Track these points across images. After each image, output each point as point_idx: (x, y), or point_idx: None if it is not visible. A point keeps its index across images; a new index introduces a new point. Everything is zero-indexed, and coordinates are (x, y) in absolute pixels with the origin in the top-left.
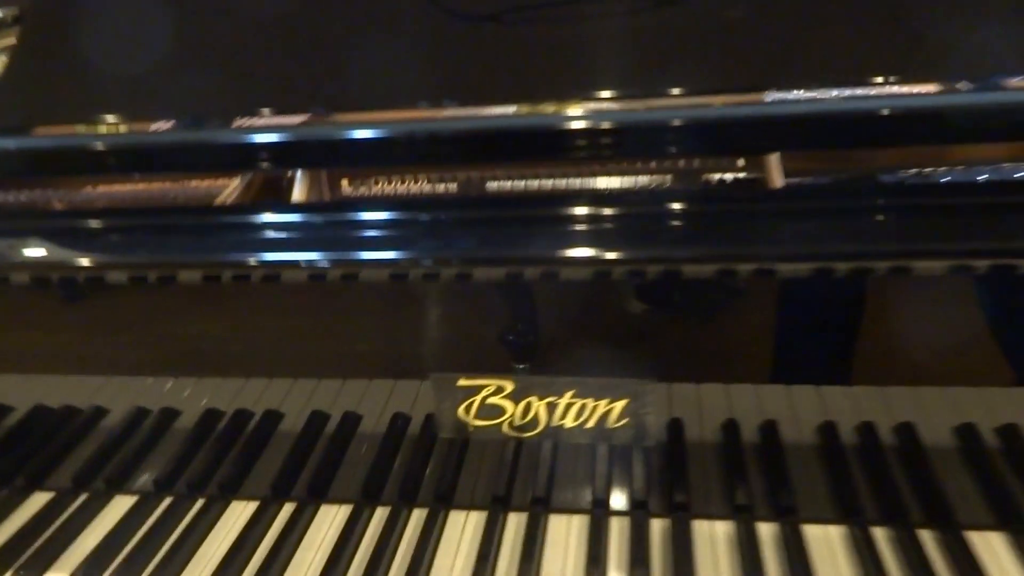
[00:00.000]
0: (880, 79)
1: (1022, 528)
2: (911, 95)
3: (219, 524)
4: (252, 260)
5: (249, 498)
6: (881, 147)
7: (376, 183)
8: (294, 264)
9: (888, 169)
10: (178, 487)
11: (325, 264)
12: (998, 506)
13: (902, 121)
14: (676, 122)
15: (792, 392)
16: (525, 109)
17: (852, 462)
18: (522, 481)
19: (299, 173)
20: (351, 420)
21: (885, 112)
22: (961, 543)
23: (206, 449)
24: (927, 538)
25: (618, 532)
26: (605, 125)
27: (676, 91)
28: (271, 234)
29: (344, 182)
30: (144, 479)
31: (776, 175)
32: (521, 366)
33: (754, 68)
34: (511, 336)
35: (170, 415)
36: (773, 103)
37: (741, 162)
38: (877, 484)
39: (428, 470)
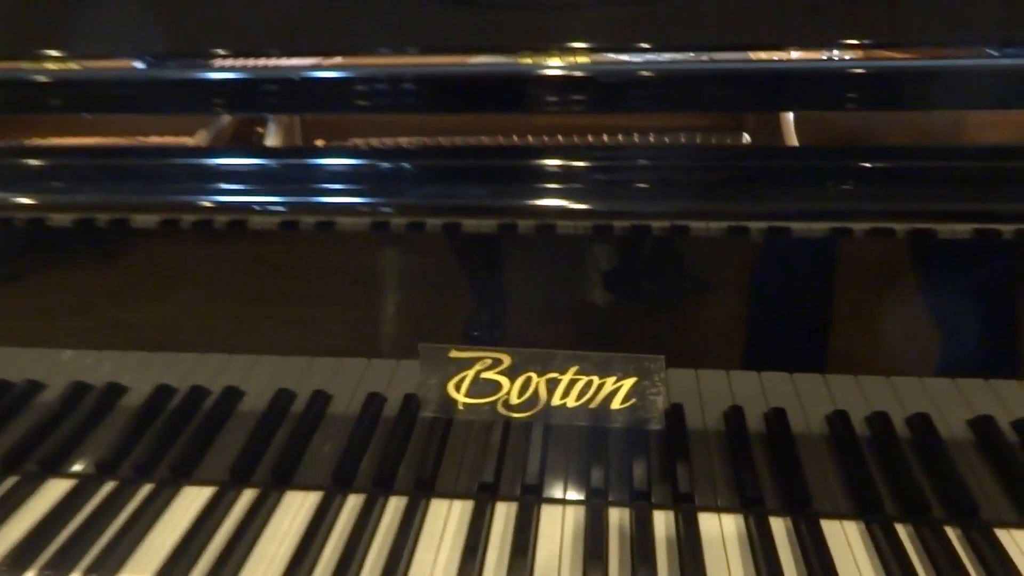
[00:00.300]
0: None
1: None
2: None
3: (169, 511)
4: (209, 202)
5: (204, 483)
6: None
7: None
8: (255, 207)
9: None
10: (123, 470)
11: (287, 208)
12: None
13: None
14: (646, 73)
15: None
16: (501, 59)
17: (867, 453)
18: (513, 467)
19: (271, 130)
20: (320, 400)
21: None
22: (987, 537)
23: (156, 429)
24: (950, 535)
25: (618, 525)
26: (578, 73)
27: (647, 45)
28: (233, 178)
29: (319, 143)
30: (84, 461)
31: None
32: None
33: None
34: (475, 332)
35: (116, 391)
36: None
37: (747, 138)
38: (897, 478)
39: (407, 454)
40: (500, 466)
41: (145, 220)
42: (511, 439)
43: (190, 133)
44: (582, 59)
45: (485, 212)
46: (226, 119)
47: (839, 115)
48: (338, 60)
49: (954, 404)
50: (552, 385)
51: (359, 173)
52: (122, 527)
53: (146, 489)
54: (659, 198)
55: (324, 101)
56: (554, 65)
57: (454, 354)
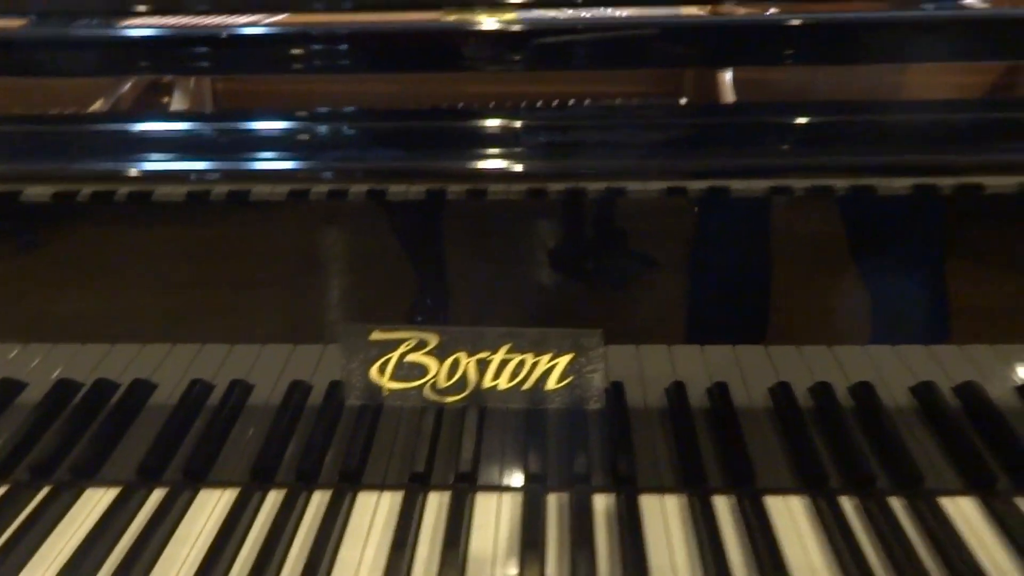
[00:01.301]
0: None
1: (992, 492)
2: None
3: (70, 515)
4: (122, 168)
5: (109, 484)
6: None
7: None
8: (172, 175)
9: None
10: (17, 473)
11: (210, 175)
12: (964, 469)
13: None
14: (583, 27)
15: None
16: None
17: (811, 425)
18: (445, 455)
19: (177, 99)
20: (240, 390)
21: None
22: (931, 507)
23: (56, 427)
24: (896, 505)
25: (557, 510)
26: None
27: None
28: (145, 143)
29: None
30: None
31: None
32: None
33: None
34: (420, 318)
35: (11, 388)
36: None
37: (683, 101)
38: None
39: (332, 445)
40: (431, 454)
41: (40, 192)
42: (441, 425)
43: (86, 104)
44: (509, 15)
45: (424, 175)
46: (127, 87)
47: (777, 77)
48: (256, 17)
49: (896, 371)
50: (483, 366)
51: (288, 137)
52: (13, 535)
53: (43, 492)
54: (599, 157)
55: (256, 61)
56: (487, 21)
57: (376, 336)
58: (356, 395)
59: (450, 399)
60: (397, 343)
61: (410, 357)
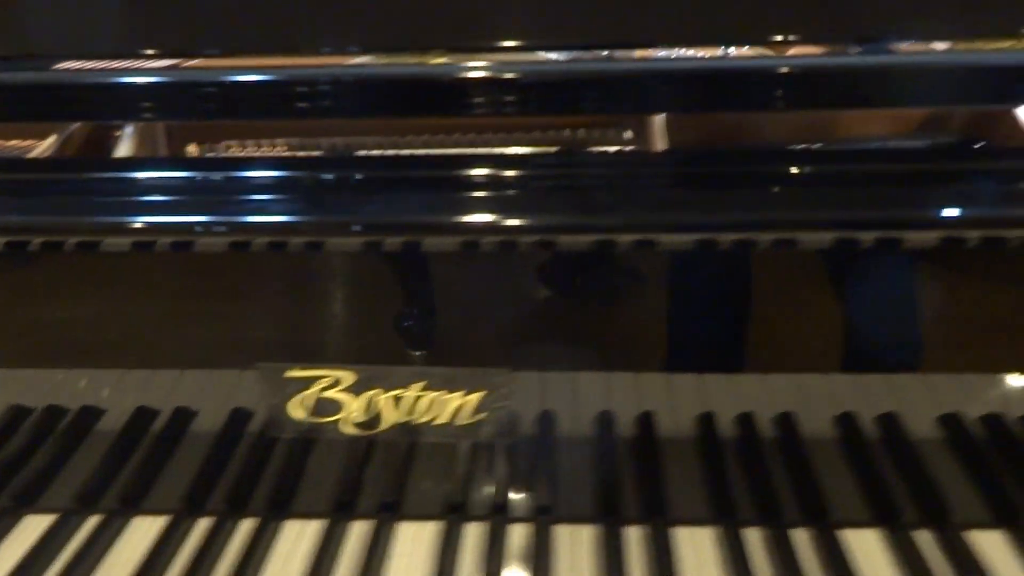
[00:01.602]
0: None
1: (899, 524)
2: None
3: (3, 543)
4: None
5: (45, 511)
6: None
7: (227, 148)
8: (152, 227)
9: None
10: None
11: (228, 228)
12: (876, 501)
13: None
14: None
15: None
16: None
17: (729, 457)
18: (367, 485)
19: (128, 131)
20: (183, 417)
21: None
22: (834, 542)
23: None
24: (802, 537)
25: (474, 539)
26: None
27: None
28: (101, 192)
29: (191, 148)
30: None
31: (660, 142)
32: (418, 353)
33: (631, 24)
34: (408, 322)
35: None
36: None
37: (629, 134)
38: (754, 481)
39: (260, 473)
40: (353, 484)
41: None
42: (367, 457)
43: (41, 136)
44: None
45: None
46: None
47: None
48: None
49: (820, 401)
50: (398, 402)
51: (278, 185)
52: None
53: None
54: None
55: (261, 105)
56: (476, 66)
57: (291, 374)
58: (276, 430)
59: (367, 433)
60: (313, 380)
61: (327, 394)
